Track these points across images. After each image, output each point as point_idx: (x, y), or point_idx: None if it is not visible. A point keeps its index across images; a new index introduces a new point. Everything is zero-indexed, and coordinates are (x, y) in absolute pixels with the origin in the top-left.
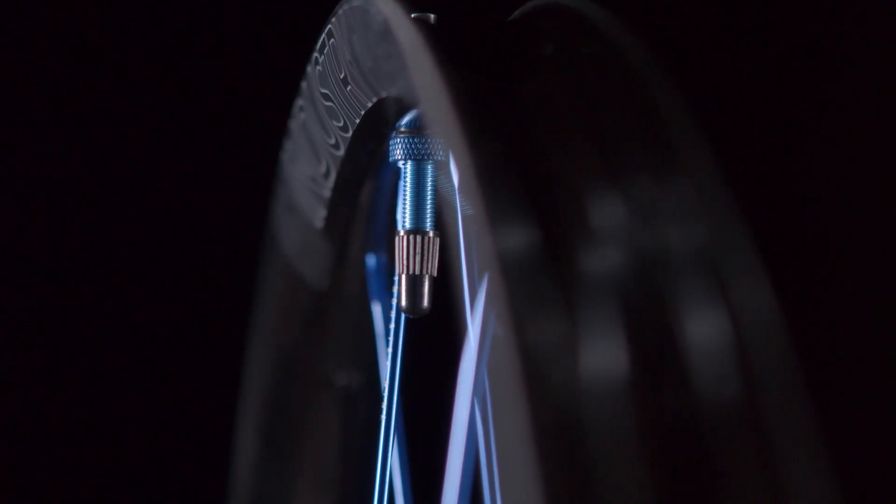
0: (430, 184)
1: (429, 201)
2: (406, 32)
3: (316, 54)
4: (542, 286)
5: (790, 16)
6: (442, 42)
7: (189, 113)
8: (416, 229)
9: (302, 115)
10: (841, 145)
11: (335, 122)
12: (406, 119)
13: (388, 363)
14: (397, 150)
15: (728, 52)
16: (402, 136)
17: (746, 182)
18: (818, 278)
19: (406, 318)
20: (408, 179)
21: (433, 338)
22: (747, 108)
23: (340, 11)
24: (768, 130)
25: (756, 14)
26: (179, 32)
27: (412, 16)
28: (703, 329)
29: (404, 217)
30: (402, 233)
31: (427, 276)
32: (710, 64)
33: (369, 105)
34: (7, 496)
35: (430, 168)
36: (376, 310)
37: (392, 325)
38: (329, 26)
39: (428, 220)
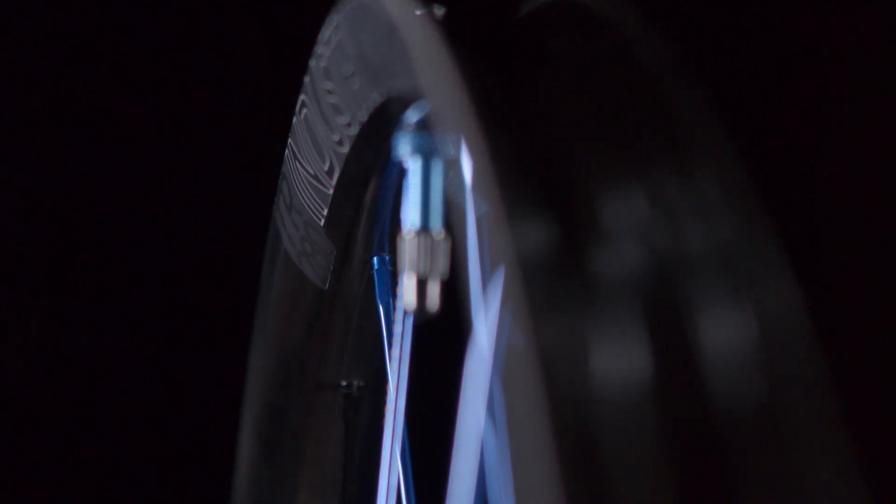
0: (438, 182)
1: (437, 200)
2: (415, 27)
3: (320, 48)
4: (559, 286)
5: (814, 8)
6: (452, 36)
7: (189, 112)
8: (425, 229)
9: (305, 112)
10: (864, 141)
11: (340, 119)
12: (413, 116)
13: (394, 366)
14: (405, 147)
15: (747, 46)
16: (409, 133)
17: (767, 178)
18: (843, 277)
19: (413, 320)
20: (415, 178)
21: (441, 340)
22: (768, 103)
23: (346, 5)
24: (790, 125)
25: (778, 7)
26: (179, 31)
27: (419, 11)
28: (728, 331)
29: (412, 216)
30: (410, 233)
31: (435, 278)
32: (730, 58)
33: (377, 102)
34: (7, 496)
35: (438, 166)
36: (381, 311)
37: (398, 328)
38: (334, 21)
39: (437, 219)
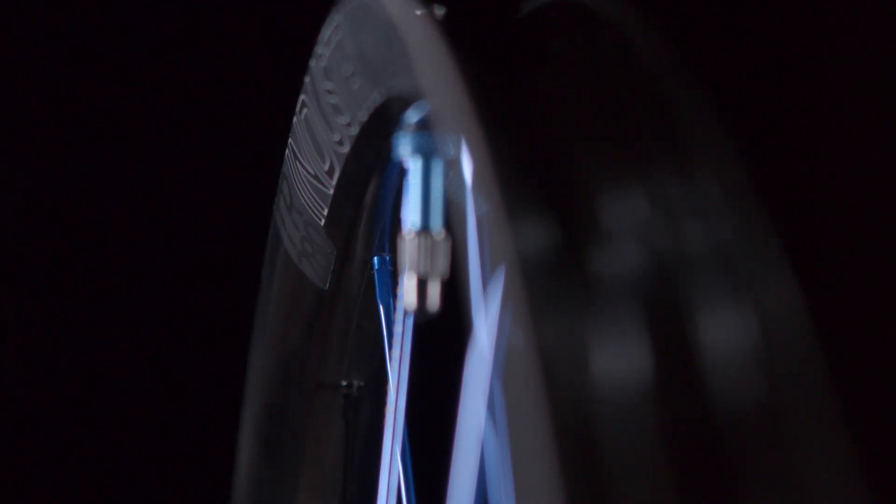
0: (438, 182)
1: (437, 200)
2: (415, 27)
3: (320, 48)
4: (559, 286)
5: (814, 8)
6: (452, 36)
7: (189, 112)
8: (425, 229)
9: (305, 112)
10: (864, 141)
11: (340, 119)
12: (413, 116)
13: (394, 366)
14: (405, 147)
15: (747, 46)
16: (409, 133)
17: (767, 178)
18: (843, 277)
19: (413, 320)
20: (415, 178)
21: (441, 340)
22: (768, 103)
23: (346, 5)
24: (790, 125)
25: (778, 7)
26: (179, 31)
27: (419, 11)
28: (728, 331)
29: (412, 216)
30: (410, 233)
31: (435, 278)
32: (730, 58)
33: (377, 102)
34: (7, 496)
35: (439, 166)
36: (381, 311)
37: (398, 328)
38: (334, 21)
39: (437, 219)
